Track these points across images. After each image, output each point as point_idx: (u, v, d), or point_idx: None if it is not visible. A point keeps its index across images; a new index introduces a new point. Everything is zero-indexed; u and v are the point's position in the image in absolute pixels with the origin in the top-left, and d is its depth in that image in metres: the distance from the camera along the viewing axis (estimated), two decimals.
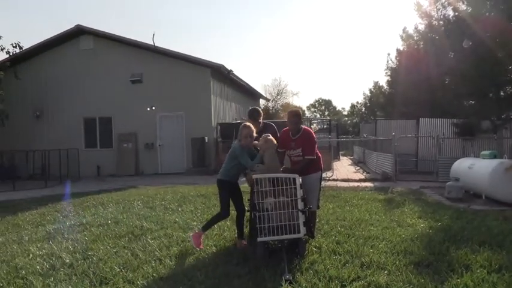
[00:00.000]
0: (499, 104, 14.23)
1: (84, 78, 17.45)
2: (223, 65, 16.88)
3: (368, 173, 15.98)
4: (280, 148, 5.40)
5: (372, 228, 6.04)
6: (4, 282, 4.17)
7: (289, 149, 5.36)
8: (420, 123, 16.74)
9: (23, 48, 16.65)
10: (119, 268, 4.46)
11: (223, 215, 5.24)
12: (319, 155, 5.46)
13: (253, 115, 5.65)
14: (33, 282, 4.10)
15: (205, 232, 5.35)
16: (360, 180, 13.20)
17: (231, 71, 17.80)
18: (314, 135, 5.52)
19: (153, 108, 16.98)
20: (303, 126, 5.44)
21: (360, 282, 3.82)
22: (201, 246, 5.08)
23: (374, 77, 78.30)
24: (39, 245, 5.59)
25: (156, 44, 16.77)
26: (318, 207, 5.73)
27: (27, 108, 17.70)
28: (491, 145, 13.94)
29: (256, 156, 5.06)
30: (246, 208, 5.32)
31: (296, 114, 5.40)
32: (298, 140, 5.29)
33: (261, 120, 5.71)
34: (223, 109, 18.84)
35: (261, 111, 5.76)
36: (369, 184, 12.14)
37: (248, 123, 5.21)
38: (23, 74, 16.80)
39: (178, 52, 16.92)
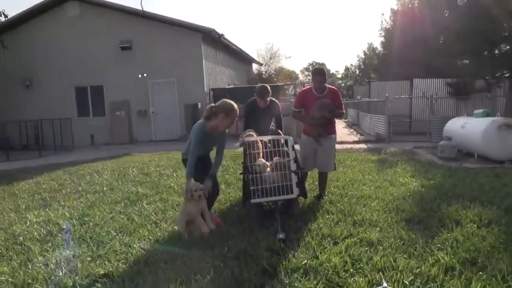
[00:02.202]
0: (493, 63, 14.17)
1: (73, 46, 17.10)
2: (214, 29, 16.54)
3: (362, 135, 16.05)
4: (298, 107, 5.52)
5: (365, 188, 6.12)
6: (3, 248, 4.22)
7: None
8: (414, 84, 16.69)
9: (8, 17, 16.21)
10: (116, 232, 4.52)
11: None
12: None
13: (262, 94, 5.50)
14: (31, 247, 4.15)
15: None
16: (354, 142, 13.28)
17: (222, 35, 17.46)
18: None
19: (145, 75, 16.76)
20: (327, 85, 5.49)
21: (352, 239, 3.90)
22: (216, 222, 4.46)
23: (368, 39, 76.97)
24: (36, 213, 5.62)
25: (144, 9, 16.38)
26: (335, 168, 5.85)
27: (17, 78, 17.40)
28: (485, 104, 13.97)
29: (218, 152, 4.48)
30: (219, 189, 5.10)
31: (321, 72, 5.43)
32: (327, 97, 5.35)
33: (268, 99, 5.60)
34: (215, 74, 18.61)
35: (270, 90, 5.56)
36: (362, 146, 12.22)
37: (231, 103, 4.30)
38: (10, 43, 16.45)
39: (167, 17, 16.54)
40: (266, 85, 5.68)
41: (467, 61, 16.45)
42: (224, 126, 4.30)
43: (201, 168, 4.39)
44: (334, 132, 5.64)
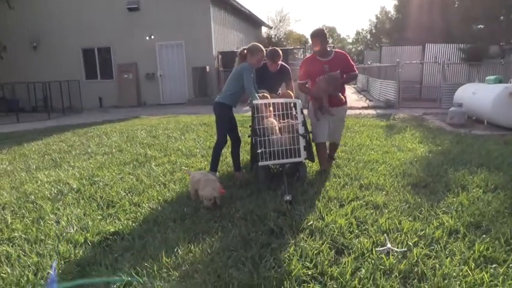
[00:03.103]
0: (509, 28, 13.78)
1: (80, 7, 16.83)
2: None
3: (371, 100, 15.89)
4: (304, 79, 5.21)
5: (372, 152, 6.12)
6: (15, 206, 4.33)
7: (321, 74, 4.92)
8: (426, 49, 16.33)
9: None
10: (125, 192, 4.60)
11: (221, 142, 4.89)
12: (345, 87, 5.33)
13: (273, 57, 5.36)
14: (42, 206, 4.25)
15: (216, 171, 4.93)
16: (363, 108, 13.18)
17: None
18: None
19: (152, 37, 16.56)
20: (335, 49, 5.21)
21: (358, 202, 3.94)
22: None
23: (381, 2, 74.92)
24: (46, 173, 5.72)
25: None
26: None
27: (24, 39, 17.27)
28: (498, 70, 13.69)
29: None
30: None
31: (318, 34, 4.95)
32: (333, 61, 4.97)
33: (279, 62, 5.49)
34: (224, 37, 18.32)
35: (281, 54, 5.44)
36: (371, 111, 12.12)
37: (257, 44, 4.84)
38: (16, 3, 16.20)
39: None
40: (277, 48, 5.59)
41: (482, 26, 16.01)
42: (255, 62, 4.79)
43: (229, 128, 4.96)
44: (345, 103, 5.41)
